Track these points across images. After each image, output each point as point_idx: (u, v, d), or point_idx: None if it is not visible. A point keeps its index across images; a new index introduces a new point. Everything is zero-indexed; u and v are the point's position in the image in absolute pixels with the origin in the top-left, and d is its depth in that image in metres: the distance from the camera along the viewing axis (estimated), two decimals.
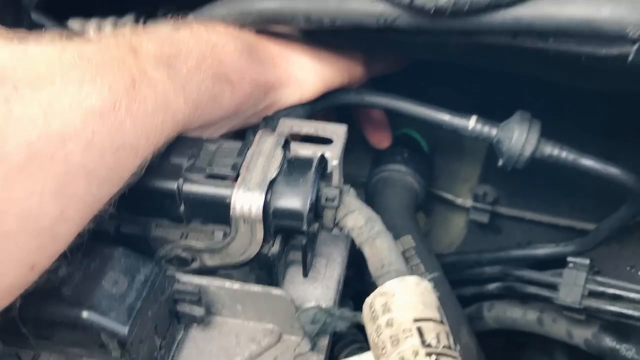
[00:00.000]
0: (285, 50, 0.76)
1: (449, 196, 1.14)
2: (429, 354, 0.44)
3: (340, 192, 0.56)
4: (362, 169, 1.07)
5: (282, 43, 0.76)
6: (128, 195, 0.54)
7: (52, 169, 0.43)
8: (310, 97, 0.78)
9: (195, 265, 0.58)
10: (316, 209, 0.56)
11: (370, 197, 0.98)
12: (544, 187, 1.06)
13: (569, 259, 0.98)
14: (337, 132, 0.70)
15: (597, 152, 0.81)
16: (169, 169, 0.55)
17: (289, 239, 0.60)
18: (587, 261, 0.95)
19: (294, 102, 0.77)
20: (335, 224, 0.57)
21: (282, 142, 0.57)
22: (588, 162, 0.80)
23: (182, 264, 0.58)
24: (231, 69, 0.65)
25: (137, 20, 1.00)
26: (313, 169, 0.55)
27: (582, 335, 0.94)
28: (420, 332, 0.45)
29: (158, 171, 0.55)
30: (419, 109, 0.83)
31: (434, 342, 0.45)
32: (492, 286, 1.09)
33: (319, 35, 0.76)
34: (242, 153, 0.56)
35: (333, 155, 0.67)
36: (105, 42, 0.54)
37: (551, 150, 0.79)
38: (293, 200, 0.54)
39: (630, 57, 0.57)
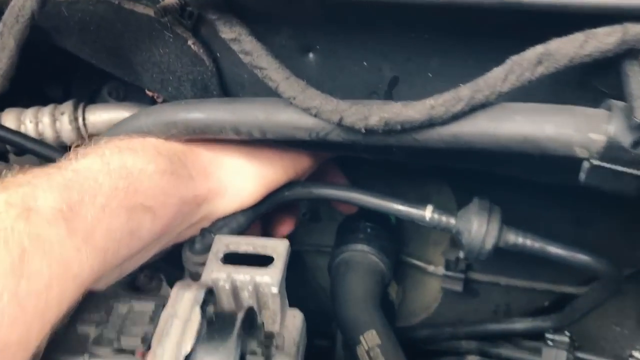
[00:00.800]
0: (219, 156, 0.70)
1: (421, 264, 1.08)
2: None
3: (268, 357, 0.50)
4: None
5: (216, 148, 0.70)
6: None
7: None
8: (252, 202, 0.72)
9: None
10: None
11: (333, 281, 0.92)
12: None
13: (548, 335, 0.92)
14: (278, 249, 0.64)
15: (564, 230, 0.76)
16: (75, 341, 0.49)
17: None
18: (566, 338, 0.90)
19: (233, 209, 0.72)
20: None
21: (201, 299, 0.51)
22: (556, 250, 0.74)
23: None
24: (151, 195, 0.60)
25: (76, 106, 0.95)
26: (235, 332, 0.49)
27: None
28: None
29: (63, 343, 0.49)
30: (372, 200, 0.77)
31: None
32: (472, 359, 1.04)
33: None
34: (155, 317, 0.50)
35: (272, 279, 0.61)
36: None
37: (515, 239, 0.74)
38: None
39: (582, 178, 0.52)
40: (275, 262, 0.63)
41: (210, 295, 0.53)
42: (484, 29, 0.56)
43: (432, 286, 1.12)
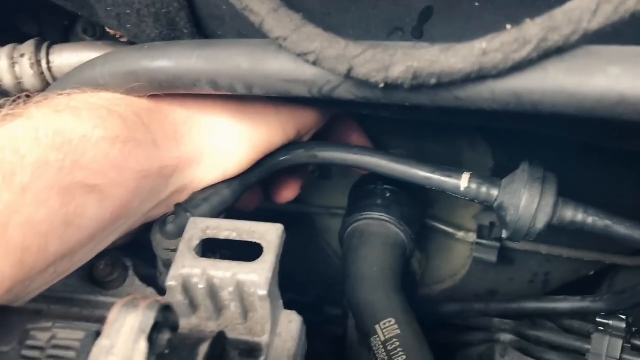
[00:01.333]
0: (195, 113, 0.55)
1: (449, 229, 0.94)
2: None
3: None
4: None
5: (191, 103, 0.55)
6: None
7: None
8: (239, 170, 0.57)
9: None
10: None
11: (345, 256, 0.77)
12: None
13: (599, 319, 0.77)
14: (268, 236, 0.50)
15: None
16: None
17: None
18: (622, 324, 0.75)
19: (214, 179, 0.57)
20: None
21: (149, 326, 0.36)
22: (623, 230, 0.58)
23: None
24: (97, 170, 0.45)
25: (39, 47, 0.79)
26: None
27: None
28: None
29: None
30: (393, 166, 0.62)
31: None
32: (505, 337, 0.90)
33: None
34: (84, 351, 0.35)
35: (260, 277, 0.47)
36: None
37: (573, 215, 0.59)
38: None
39: None
40: (264, 254, 0.49)
41: (165, 314, 0.39)
42: None
43: (460, 251, 0.98)
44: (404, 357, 0.66)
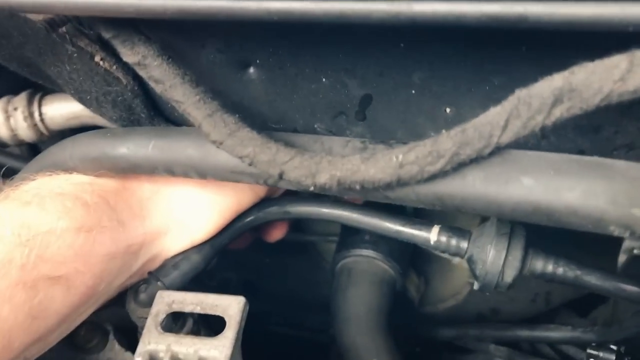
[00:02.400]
0: (161, 188, 0.57)
1: (445, 255, 0.93)
2: None
3: None
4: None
5: (158, 180, 0.57)
6: None
7: None
8: (207, 236, 0.59)
9: None
10: None
11: (334, 294, 0.79)
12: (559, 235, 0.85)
13: (590, 350, 0.78)
14: (230, 310, 0.52)
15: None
16: None
17: None
18: (612, 355, 0.75)
19: (184, 246, 0.59)
20: None
21: None
22: (594, 280, 0.59)
23: None
24: (61, 261, 0.47)
25: (31, 99, 0.82)
26: None
27: None
28: None
29: None
30: (365, 219, 0.63)
31: None
32: None
33: None
34: None
35: (220, 354, 0.49)
36: None
37: (543, 267, 0.59)
38: None
39: (620, 262, 0.36)
40: (226, 329, 0.51)
41: None
42: (483, 36, 0.38)
43: (459, 272, 0.98)
44: None
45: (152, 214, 0.55)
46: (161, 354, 0.50)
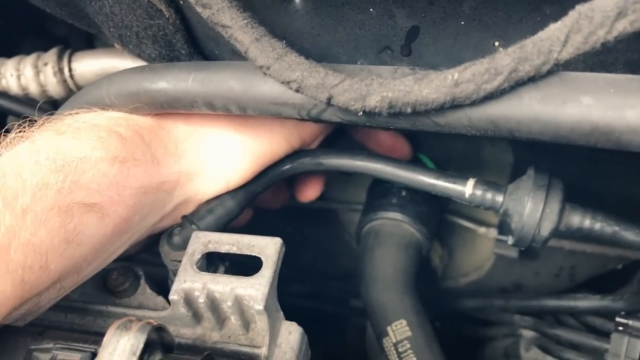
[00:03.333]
0: (197, 128, 0.57)
1: (470, 225, 0.93)
2: None
3: None
4: None
5: (195, 120, 0.57)
6: None
7: None
8: (241, 182, 0.59)
9: None
10: None
11: (360, 256, 0.78)
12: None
13: (619, 318, 0.76)
14: (267, 250, 0.51)
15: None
16: None
17: None
18: None
19: (219, 190, 0.59)
20: None
21: (139, 349, 0.39)
22: (632, 236, 0.58)
23: None
24: (96, 189, 0.47)
25: (61, 55, 0.82)
26: None
27: None
28: None
29: None
30: (398, 172, 0.62)
31: None
32: (527, 333, 0.90)
33: None
34: None
35: (257, 292, 0.48)
36: None
37: (580, 222, 0.58)
38: None
39: None
40: (262, 269, 0.50)
41: (160, 334, 0.41)
42: None
43: (483, 245, 0.98)
44: (414, 359, 0.67)
45: (187, 154, 0.55)
46: (197, 293, 0.50)
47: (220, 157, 0.57)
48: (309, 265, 1.07)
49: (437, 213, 0.84)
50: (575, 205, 0.58)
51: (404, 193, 0.80)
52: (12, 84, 0.82)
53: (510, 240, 0.61)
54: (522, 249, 0.61)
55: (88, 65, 0.82)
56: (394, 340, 0.69)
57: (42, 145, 0.46)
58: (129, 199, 0.50)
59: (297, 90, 0.41)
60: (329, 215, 1.03)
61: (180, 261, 0.55)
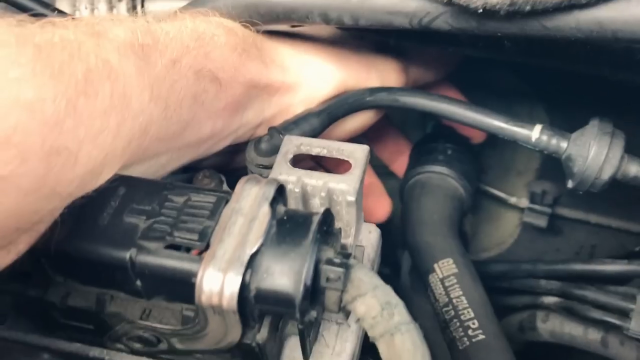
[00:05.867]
0: (299, 50, 0.64)
1: (501, 194, 0.98)
2: None
3: (347, 268, 0.42)
4: None
5: (295, 42, 0.64)
6: (75, 262, 0.43)
7: None
8: (327, 97, 0.65)
9: (163, 346, 0.45)
10: (315, 291, 0.42)
11: (406, 204, 0.82)
12: (614, 185, 0.89)
13: None
14: (356, 154, 0.55)
15: None
16: (122, 233, 0.42)
17: (282, 320, 0.46)
18: None
19: (307, 106, 0.63)
20: (342, 309, 0.43)
21: (271, 195, 0.43)
22: None
23: (148, 344, 0.46)
24: (219, 65, 0.54)
25: None
26: (311, 235, 0.41)
27: None
28: None
29: (108, 234, 0.42)
30: (468, 114, 0.66)
31: None
32: (549, 300, 0.94)
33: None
34: (216, 212, 0.42)
35: (348, 186, 0.52)
36: (61, 24, 0.42)
37: (637, 171, 0.62)
38: (282, 281, 0.40)
39: None
40: (352, 168, 0.54)
41: (281, 192, 0.45)
42: None
43: (509, 219, 1.02)
44: (460, 292, 0.71)
45: (290, 69, 0.62)
46: (291, 185, 0.53)
47: (315, 80, 0.63)
48: None
49: (477, 174, 0.89)
50: (632, 155, 0.62)
51: (449, 151, 0.84)
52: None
53: (570, 183, 0.64)
54: (581, 192, 0.64)
55: (161, 4, 0.86)
56: (440, 276, 0.73)
57: (183, 21, 0.53)
58: (241, 84, 0.56)
59: None
60: None
61: (266, 166, 0.60)
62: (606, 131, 0.61)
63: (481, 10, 0.44)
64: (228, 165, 0.67)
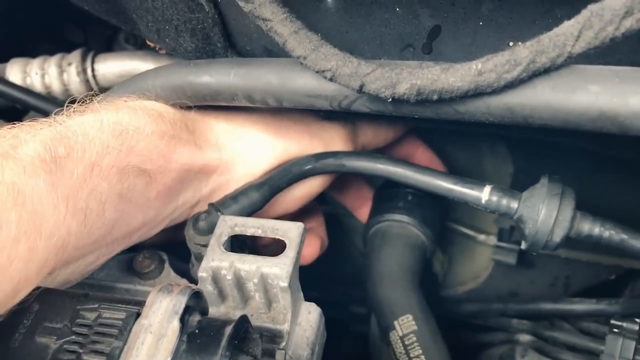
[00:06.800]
0: (234, 125, 0.63)
1: (470, 232, 0.97)
2: None
3: None
4: None
5: (231, 116, 0.63)
6: None
7: None
8: (265, 171, 0.64)
9: None
10: None
11: (367, 255, 0.82)
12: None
13: (613, 321, 0.80)
14: (290, 233, 0.54)
15: None
16: (33, 355, 0.41)
17: None
18: (636, 326, 0.78)
19: (246, 181, 0.63)
20: None
21: (182, 308, 0.42)
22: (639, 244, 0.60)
23: None
24: (146, 156, 0.53)
25: (85, 56, 0.86)
26: (220, 351, 0.40)
27: None
28: None
29: (20, 354, 0.41)
30: (417, 177, 0.65)
31: None
32: (524, 337, 0.93)
33: None
34: (125, 329, 0.41)
35: (281, 271, 0.52)
36: None
37: (590, 229, 0.60)
38: None
39: None
40: (286, 250, 0.54)
41: (196, 300, 0.44)
42: None
43: (482, 254, 1.02)
44: (420, 350, 0.70)
45: (227, 147, 0.62)
46: (224, 271, 0.53)
47: (253, 154, 0.63)
48: (309, 270, 1.10)
49: (441, 218, 0.88)
50: (585, 213, 0.61)
51: (410, 197, 0.83)
52: (36, 82, 0.86)
53: (523, 245, 0.63)
54: (534, 253, 0.63)
55: (110, 66, 0.86)
56: (400, 334, 0.72)
57: (104, 115, 0.52)
58: (173, 171, 0.56)
59: (331, 79, 0.45)
60: (331, 222, 1.06)
61: (203, 245, 0.59)
62: (555, 192, 0.59)
63: (390, 100, 0.43)
64: (173, 239, 0.66)
